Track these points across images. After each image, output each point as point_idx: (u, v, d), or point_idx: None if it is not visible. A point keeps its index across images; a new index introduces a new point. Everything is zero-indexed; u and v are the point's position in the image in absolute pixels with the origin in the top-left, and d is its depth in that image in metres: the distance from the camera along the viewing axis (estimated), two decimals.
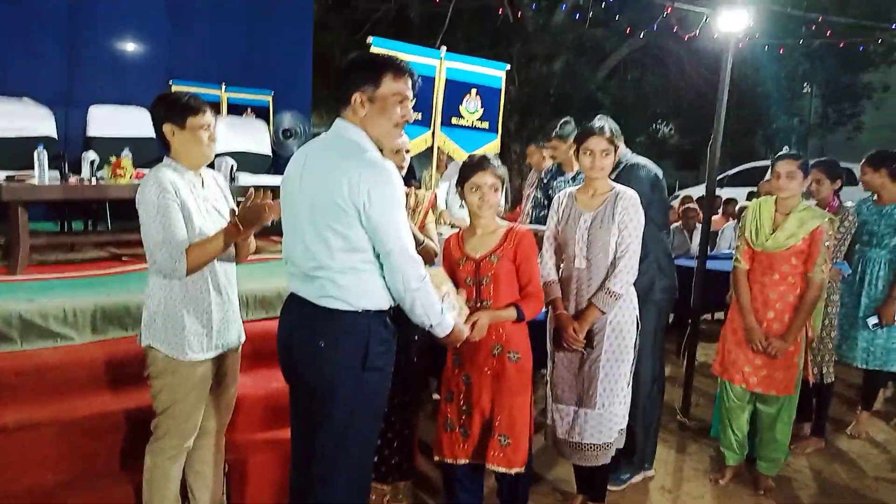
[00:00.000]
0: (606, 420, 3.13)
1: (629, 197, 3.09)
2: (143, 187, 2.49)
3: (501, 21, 15.59)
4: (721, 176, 12.52)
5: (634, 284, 3.40)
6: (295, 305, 2.34)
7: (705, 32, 10.62)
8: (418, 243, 3.18)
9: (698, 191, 11.95)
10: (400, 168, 3.22)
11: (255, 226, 2.53)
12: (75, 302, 3.49)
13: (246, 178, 5.74)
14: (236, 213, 2.53)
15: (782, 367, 3.52)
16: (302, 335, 2.31)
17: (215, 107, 7.04)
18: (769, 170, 3.62)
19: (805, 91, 19.26)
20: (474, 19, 15.70)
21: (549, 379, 3.32)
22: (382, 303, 2.29)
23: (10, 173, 4.54)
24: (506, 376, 2.88)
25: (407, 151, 3.29)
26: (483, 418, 2.92)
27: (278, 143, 7.24)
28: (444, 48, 4.84)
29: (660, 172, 3.63)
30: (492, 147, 5.09)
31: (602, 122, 3.17)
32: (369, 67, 2.27)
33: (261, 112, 7.42)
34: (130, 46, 7.08)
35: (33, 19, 6.46)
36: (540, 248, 3.27)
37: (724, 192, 10.71)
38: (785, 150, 3.78)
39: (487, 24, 15.76)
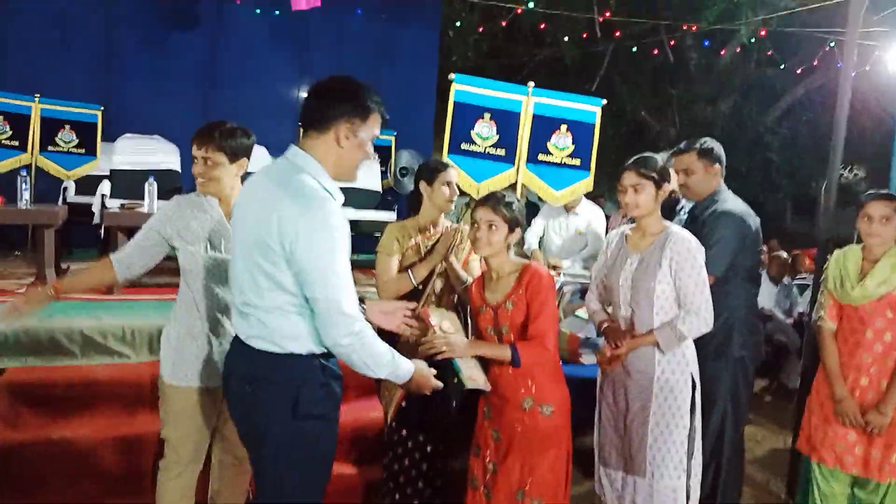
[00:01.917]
0: (660, 494, 2.76)
1: (681, 240, 2.74)
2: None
3: (661, 62, 15.07)
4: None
5: (707, 337, 3.03)
6: (234, 343, 2.20)
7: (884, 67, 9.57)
8: (461, 282, 3.03)
9: None
10: (450, 201, 3.10)
11: None
12: (138, 322, 3.68)
13: (349, 213, 5.88)
14: None
15: (882, 445, 2.93)
16: (235, 376, 2.16)
17: None
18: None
19: None
20: (632, 61, 15.29)
21: (595, 439, 3.01)
22: (315, 346, 2.06)
23: (127, 202, 4.96)
24: (537, 433, 2.61)
25: (458, 186, 3.16)
26: (509, 481, 2.65)
27: (396, 181, 7.38)
28: (531, 83, 4.67)
29: (754, 221, 3.25)
30: (583, 185, 4.80)
31: (648, 154, 2.88)
32: (361, 99, 2.08)
33: (383, 151, 7.61)
34: (261, 89, 7.62)
35: (175, 65, 7.19)
36: None
37: None
38: None
39: (646, 65, 15.28)
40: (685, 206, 4.20)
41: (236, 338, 2.17)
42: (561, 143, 4.72)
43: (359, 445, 3.54)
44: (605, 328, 2.92)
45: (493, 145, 4.58)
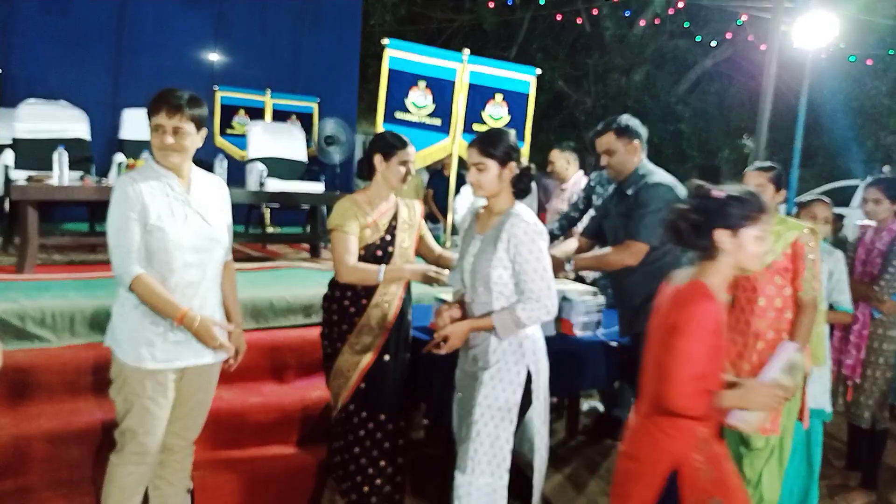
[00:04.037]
0: (479, 491, 2.54)
1: (520, 222, 2.48)
2: (113, 189, 2.45)
3: (578, 32, 15.24)
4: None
5: (637, 303, 3.12)
6: None
7: (790, 42, 9.97)
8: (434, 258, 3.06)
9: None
10: (404, 182, 2.97)
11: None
12: (57, 303, 3.43)
13: (276, 185, 5.66)
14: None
15: None
16: None
17: (259, 113, 7.08)
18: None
19: None
20: (550, 31, 15.40)
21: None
22: None
23: (34, 173, 4.60)
24: None
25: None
26: None
27: (321, 150, 7.17)
28: (466, 51, 4.59)
29: (681, 192, 3.22)
30: None
31: (497, 129, 2.73)
32: None
33: (305, 119, 7.38)
34: (176, 54, 7.24)
35: (81, 29, 6.75)
36: None
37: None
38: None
39: (563, 35, 15.43)
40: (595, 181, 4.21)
41: None
42: (496, 114, 4.69)
43: (304, 426, 3.44)
44: (436, 310, 2.74)
45: (429, 115, 4.49)
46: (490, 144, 2.53)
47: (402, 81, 4.46)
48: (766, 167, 3.09)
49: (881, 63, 13.14)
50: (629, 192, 3.23)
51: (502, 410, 2.52)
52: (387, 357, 2.93)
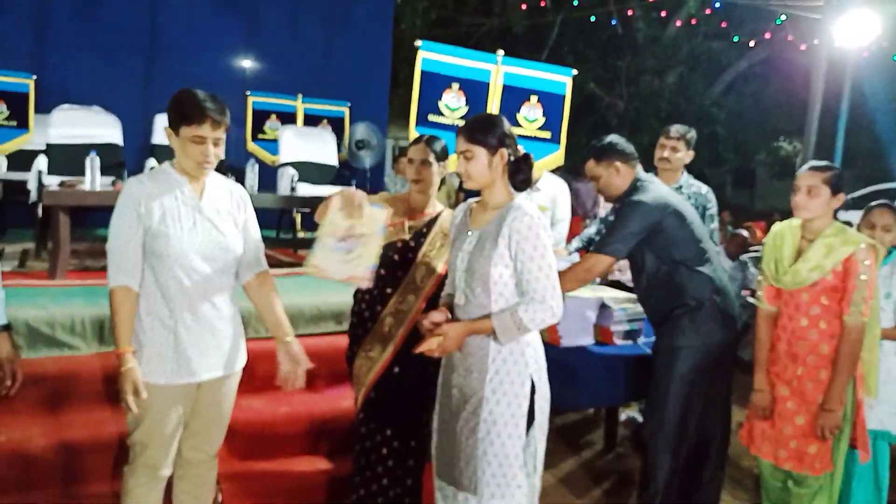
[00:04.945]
0: None
1: (522, 216, 2.26)
2: (120, 193, 2.37)
3: (610, 34, 15.07)
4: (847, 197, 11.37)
5: (658, 319, 2.94)
6: None
7: (831, 42, 9.71)
8: None
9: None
10: (413, 181, 2.83)
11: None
12: (86, 310, 3.40)
13: (306, 189, 5.63)
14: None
15: (817, 438, 2.70)
16: None
17: (291, 117, 7.06)
18: None
19: None
20: (581, 33, 15.24)
21: (433, 444, 2.60)
22: None
23: (67, 179, 4.60)
24: None
25: (426, 163, 2.80)
26: None
27: (352, 154, 7.13)
28: (501, 52, 4.48)
29: (676, 205, 2.92)
30: (554, 159, 4.65)
31: (487, 115, 2.60)
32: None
33: (337, 123, 7.34)
34: (208, 60, 7.25)
35: (114, 36, 6.82)
36: None
37: (846, 216, 9.66)
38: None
39: (595, 37, 15.26)
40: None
41: None
42: (531, 115, 4.57)
43: (334, 436, 3.36)
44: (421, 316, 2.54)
45: (461, 117, 4.39)
46: (477, 130, 2.34)
47: (436, 83, 4.36)
48: (822, 167, 2.71)
49: None
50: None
51: (509, 426, 2.32)
52: (396, 369, 2.77)
